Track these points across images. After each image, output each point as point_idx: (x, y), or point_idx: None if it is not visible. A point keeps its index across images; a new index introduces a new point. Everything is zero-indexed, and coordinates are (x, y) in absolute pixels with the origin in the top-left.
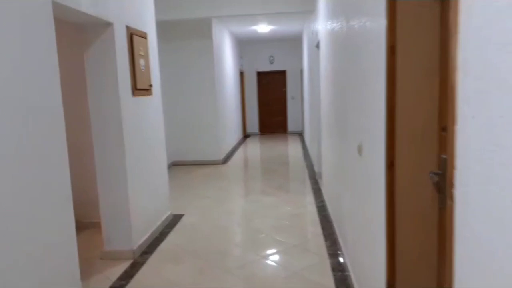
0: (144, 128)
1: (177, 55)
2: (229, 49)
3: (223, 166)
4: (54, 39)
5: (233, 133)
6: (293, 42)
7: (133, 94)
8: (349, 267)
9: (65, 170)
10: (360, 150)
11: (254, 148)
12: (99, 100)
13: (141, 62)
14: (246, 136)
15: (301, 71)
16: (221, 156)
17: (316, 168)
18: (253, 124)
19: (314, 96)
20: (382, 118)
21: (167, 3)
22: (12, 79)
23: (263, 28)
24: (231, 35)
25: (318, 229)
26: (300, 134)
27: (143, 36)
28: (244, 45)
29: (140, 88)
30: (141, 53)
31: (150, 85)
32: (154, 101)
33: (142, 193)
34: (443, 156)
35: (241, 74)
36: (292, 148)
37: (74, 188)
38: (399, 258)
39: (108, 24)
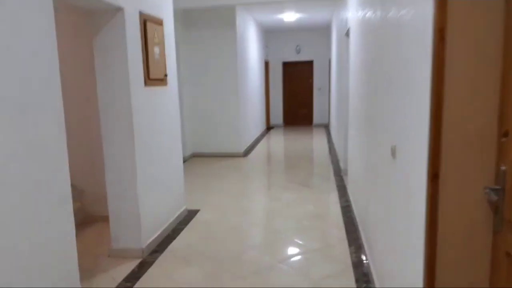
0: (157, 120)
1: (198, 45)
2: (254, 39)
3: (244, 159)
4: (53, 24)
5: (255, 125)
6: (321, 31)
7: (146, 84)
8: (376, 280)
9: (63, 167)
10: (394, 153)
11: (277, 141)
12: (108, 90)
13: (156, 50)
14: (269, 128)
15: (329, 61)
16: (242, 148)
17: (342, 165)
18: (278, 115)
19: (342, 88)
20: (426, 118)
21: None
22: (4, 69)
23: (289, 16)
24: (256, 24)
25: (342, 233)
26: (326, 127)
27: (159, 22)
28: (269, 34)
29: (153, 78)
30: (156, 40)
31: (165, 75)
32: (170, 92)
33: (154, 188)
34: (503, 167)
35: (266, 64)
36: (317, 142)
37: (87, 180)
38: None
39: (118, 9)
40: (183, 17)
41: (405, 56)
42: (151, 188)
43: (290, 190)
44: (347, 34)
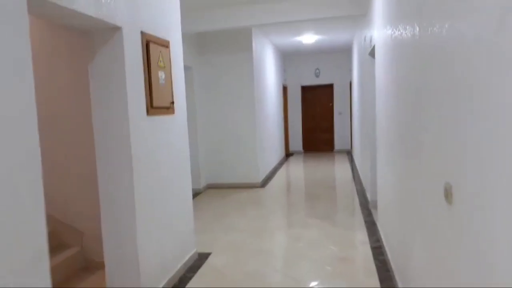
0: (162, 152)
1: (213, 69)
2: (271, 62)
3: (261, 190)
4: (27, 40)
5: (273, 152)
6: (341, 53)
7: (148, 113)
8: None
9: (38, 216)
10: (449, 195)
11: (297, 169)
12: (104, 119)
13: (161, 75)
14: (288, 154)
15: (350, 84)
16: (260, 178)
17: (369, 196)
18: (297, 141)
19: (366, 111)
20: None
21: (201, 13)
22: None
23: (308, 38)
24: (273, 47)
25: (374, 281)
26: (349, 153)
27: (164, 44)
28: (287, 57)
29: (158, 106)
30: (161, 64)
31: (172, 102)
32: (177, 121)
33: (157, 230)
34: None
35: (284, 88)
36: (339, 169)
37: (87, 222)
38: None
39: (115, 29)
40: (197, 40)
41: (460, 76)
42: (154, 230)
43: (311, 227)
44: (372, 53)
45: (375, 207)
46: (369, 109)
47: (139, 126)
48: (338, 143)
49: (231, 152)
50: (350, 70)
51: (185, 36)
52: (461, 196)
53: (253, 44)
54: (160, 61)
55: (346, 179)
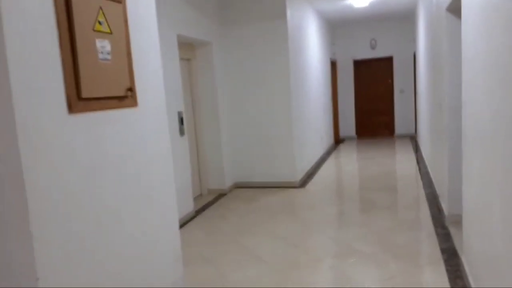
0: (109, 172)
1: (238, 44)
2: (315, 34)
3: (299, 192)
4: None
5: (317, 142)
6: (402, 19)
7: (72, 108)
8: None
9: None
10: None
11: (348, 160)
12: None
13: (102, 45)
14: (338, 141)
15: (414, 57)
16: (298, 176)
17: (445, 206)
18: (349, 126)
19: (441, 89)
20: None
21: None
22: None
23: (360, 1)
24: (317, 15)
25: None
26: (413, 138)
27: None
28: (337, 29)
29: (95, 97)
30: (102, 27)
31: (130, 89)
32: (144, 117)
33: None
34: None
35: (333, 64)
36: (401, 161)
37: None
38: None
39: None
40: (217, 8)
41: None
42: None
43: (361, 258)
44: (453, 9)
45: (457, 225)
46: (449, 87)
47: (51, 134)
48: (400, 127)
49: (262, 145)
50: (413, 40)
51: (203, 2)
52: None
53: (288, 11)
54: (101, 24)
55: (411, 176)
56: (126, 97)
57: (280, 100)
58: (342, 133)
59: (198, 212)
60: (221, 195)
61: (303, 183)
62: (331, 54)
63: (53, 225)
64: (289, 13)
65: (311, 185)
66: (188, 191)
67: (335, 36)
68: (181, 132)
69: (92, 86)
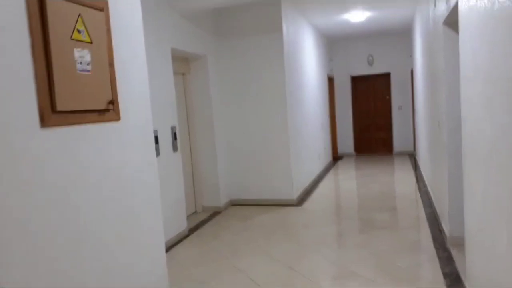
0: (88, 191)
1: (233, 57)
2: (312, 49)
3: (296, 210)
4: None
5: (315, 158)
6: (399, 35)
7: (44, 122)
8: None
9: None
10: None
11: (346, 178)
12: None
13: (80, 54)
14: (337, 158)
15: (411, 73)
16: (295, 194)
17: (446, 227)
18: (347, 142)
19: (438, 105)
20: None
21: None
22: None
23: (357, 16)
24: (313, 30)
25: None
26: (411, 156)
27: (93, 4)
28: (333, 43)
29: (72, 110)
30: (82, 36)
31: (111, 102)
32: (127, 133)
33: None
34: None
35: (330, 80)
36: (400, 179)
37: None
38: None
39: None
40: (212, 20)
41: None
42: None
43: (363, 282)
44: (450, 23)
45: (459, 247)
46: (448, 103)
47: (20, 148)
48: (398, 144)
49: (258, 161)
50: (411, 56)
51: (198, 15)
52: None
53: (284, 24)
54: (80, 32)
55: (410, 195)
56: (108, 111)
57: (276, 115)
58: (341, 149)
59: (191, 230)
60: (216, 213)
61: (300, 201)
62: (328, 70)
63: (18, 248)
64: (285, 27)
65: (309, 203)
66: (182, 208)
67: (332, 51)
68: (174, 148)
69: (69, 98)
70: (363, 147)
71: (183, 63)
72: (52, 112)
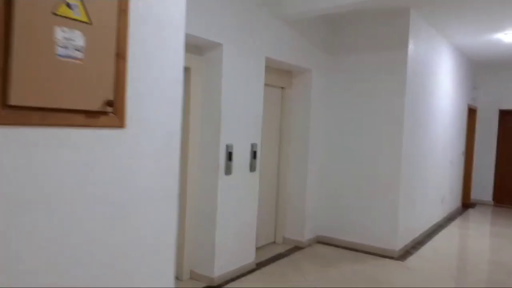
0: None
1: (341, 76)
2: (448, 73)
3: (396, 265)
4: None
5: (436, 203)
6: None
7: None
8: None
9: None
10: None
11: (476, 234)
12: None
13: (65, 34)
14: (468, 205)
15: None
16: (399, 244)
17: None
18: (484, 188)
19: None
20: None
21: None
22: None
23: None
24: (455, 51)
25: None
26: None
27: None
28: (480, 68)
29: (33, 106)
30: (71, 12)
31: (109, 101)
32: (135, 145)
33: None
34: None
35: (472, 112)
36: None
37: None
38: None
39: None
40: (321, 32)
41: None
42: None
43: None
44: None
45: None
46: None
47: None
48: None
49: (358, 196)
50: None
51: (303, 24)
52: None
53: (411, 40)
54: (71, 7)
55: None
56: (104, 113)
57: (388, 145)
58: (474, 195)
59: (260, 264)
60: (297, 248)
61: (405, 253)
62: (470, 100)
63: None
64: (411, 43)
65: (416, 258)
66: (251, 237)
67: (478, 78)
68: (252, 168)
69: (35, 90)
70: (505, 197)
71: (283, 76)
72: (1, 106)
